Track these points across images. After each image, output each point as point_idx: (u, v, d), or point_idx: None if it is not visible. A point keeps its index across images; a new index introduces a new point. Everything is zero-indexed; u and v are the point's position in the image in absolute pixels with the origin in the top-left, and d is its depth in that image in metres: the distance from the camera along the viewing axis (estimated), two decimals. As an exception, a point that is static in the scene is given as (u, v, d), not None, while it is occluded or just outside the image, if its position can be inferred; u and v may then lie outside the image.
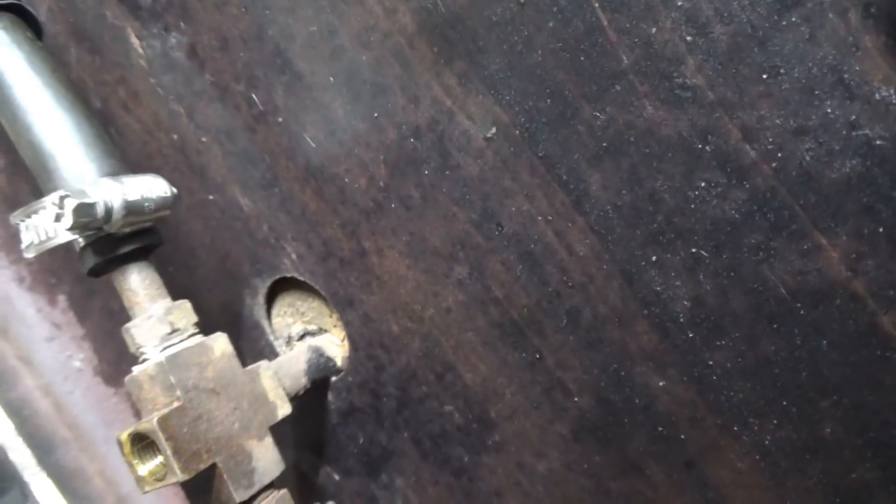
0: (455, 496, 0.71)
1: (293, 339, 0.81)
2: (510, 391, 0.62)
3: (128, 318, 0.63)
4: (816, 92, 0.39)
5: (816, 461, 0.48)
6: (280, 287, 0.79)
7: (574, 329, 0.56)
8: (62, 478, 1.10)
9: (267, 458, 0.64)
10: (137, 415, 1.14)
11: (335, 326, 0.77)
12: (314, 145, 0.64)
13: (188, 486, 0.62)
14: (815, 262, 0.43)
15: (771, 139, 0.42)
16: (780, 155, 0.42)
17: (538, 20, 0.47)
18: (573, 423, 0.59)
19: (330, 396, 0.78)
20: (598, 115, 0.47)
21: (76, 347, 1.10)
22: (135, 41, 0.73)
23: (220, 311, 0.83)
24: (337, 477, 0.82)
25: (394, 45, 0.55)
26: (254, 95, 0.66)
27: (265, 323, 0.81)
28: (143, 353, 0.61)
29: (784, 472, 0.50)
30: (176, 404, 0.58)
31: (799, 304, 0.45)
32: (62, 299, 1.08)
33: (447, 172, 0.57)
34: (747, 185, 0.44)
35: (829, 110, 0.39)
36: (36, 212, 0.57)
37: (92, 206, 0.56)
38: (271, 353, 0.81)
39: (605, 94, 0.46)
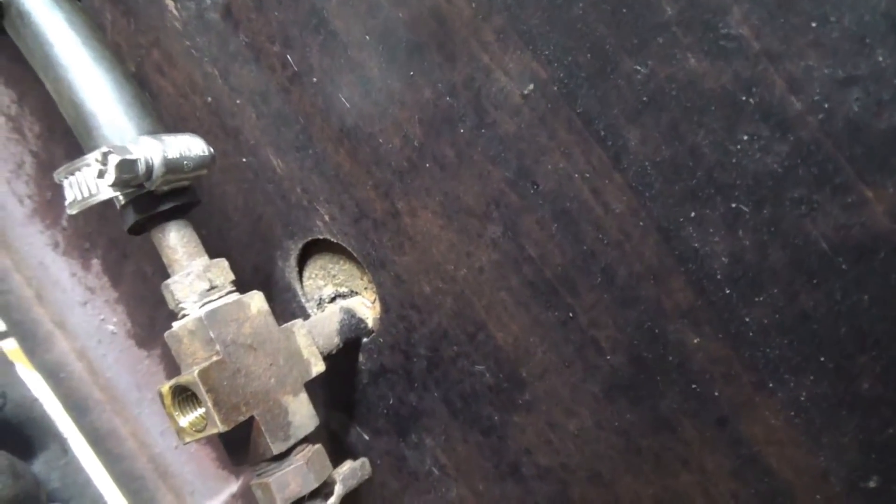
0: (484, 454, 0.72)
1: (324, 302, 0.82)
2: (542, 350, 0.63)
3: (160, 280, 0.64)
4: (867, 40, 0.39)
5: (852, 417, 0.48)
6: (312, 250, 0.80)
7: (608, 287, 0.56)
8: (97, 439, 1.13)
9: (302, 413, 0.65)
10: (170, 377, 1.17)
11: (366, 288, 0.78)
12: (349, 105, 0.65)
13: (225, 440, 0.64)
14: (859, 215, 0.43)
15: (818, 90, 0.41)
16: (826, 106, 0.41)
17: (579, -27, 0.47)
18: (605, 382, 0.60)
19: (361, 357, 0.79)
20: (639, 68, 0.47)
21: (110, 311, 1.12)
22: (169, 3, 0.73)
23: (253, 274, 0.84)
24: (367, 437, 0.84)
25: (431, 2, 0.55)
26: (288, 56, 0.66)
27: (297, 285, 0.82)
28: (182, 309, 0.62)
29: (819, 429, 0.50)
30: (215, 358, 0.60)
31: (840, 259, 0.44)
32: (96, 263, 1.10)
33: (483, 130, 0.57)
34: (791, 138, 0.43)
35: (880, 59, 0.39)
36: (79, 168, 0.58)
37: (134, 162, 0.57)
38: (303, 315, 0.82)
39: (646, 46, 0.46)
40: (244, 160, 0.77)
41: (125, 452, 1.15)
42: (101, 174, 0.57)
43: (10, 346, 1.08)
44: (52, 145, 1.03)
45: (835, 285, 0.45)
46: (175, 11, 0.73)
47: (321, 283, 0.82)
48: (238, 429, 0.60)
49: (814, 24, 0.40)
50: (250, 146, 0.75)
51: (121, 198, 0.61)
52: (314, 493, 0.64)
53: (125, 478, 1.13)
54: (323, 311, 0.81)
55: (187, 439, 0.60)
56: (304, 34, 0.64)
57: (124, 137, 0.60)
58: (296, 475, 0.63)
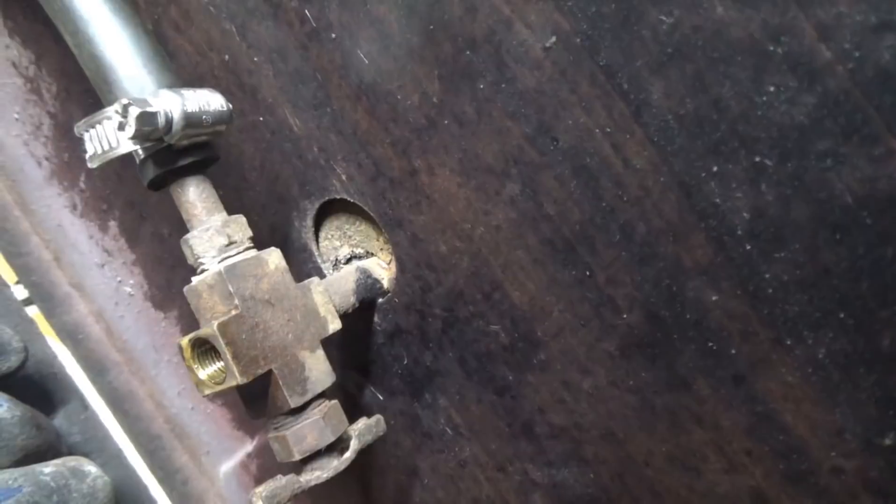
0: (498, 414, 0.73)
1: (340, 263, 0.82)
2: (558, 309, 0.63)
3: (177, 242, 0.65)
4: (901, -16, 0.38)
5: (871, 374, 0.48)
6: (328, 210, 0.80)
7: (627, 244, 0.56)
8: (115, 399, 1.15)
9: (319, 369, 0.66)
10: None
11: (382, 249, 0.78)
12: (367, 62, 0.64)
13: (244, 392, 0.65)
14: (886, 167, 0.42)
15: (848, 37, 0.40)
16: (857, 54, 0.40)
17: (605, -80, 0.46)
18: (621, 341, 0.60)
19: (376, 318, 0.80)
20: (665, 18, 0.46)
21: (127, 273, 1.13)
22: (187, -42, 0.73)
23: (269, 234, 0.84)
24: (381, 397, 0.85)
25: (452, -47, 0.54)
26: (307, 11, 0.66)
27: (313, 246, 0.82)
28: (201, 264, 0.63)
29: (836, 386, 0.50)
30: (234, 312, 0.60)
31: (865, 213, 0.44)
32: (113, 225, 1.11)
33: (503, 85, 0.57)
34: (819, 89, 0.42)
35: (914, 3, 0.38)
36: (99, 121, 0.59)
37: (154, 114, 0.57)
38: (319, 275, 0.83)
39: (673, -5, 0.45)
40: (261, 119, 0.77)
41: (142, 413, 1.17)
42: (121, 126, 0.57)
43: (32, 312, 1.09)
44: (70, 106, 1.03)
45: (858, 240, 0.45)
46: (193, -33, 0.73)
47: (337, 243, 0.82)
48: (256, 383, 0.61)
49: (846, -31, 0.39)
50: (268, 104, 0.75)
51: (140, 152, 0.62)
52: (330, 447, 0.65)
53: (142, 438, 1.15)
54: (339, 271, 0.81)
55: (206, 391, 0.61)
56: (322, -11, 0.64)
57: (144, 90, 0.60)
58: (312, 429, 0.63)
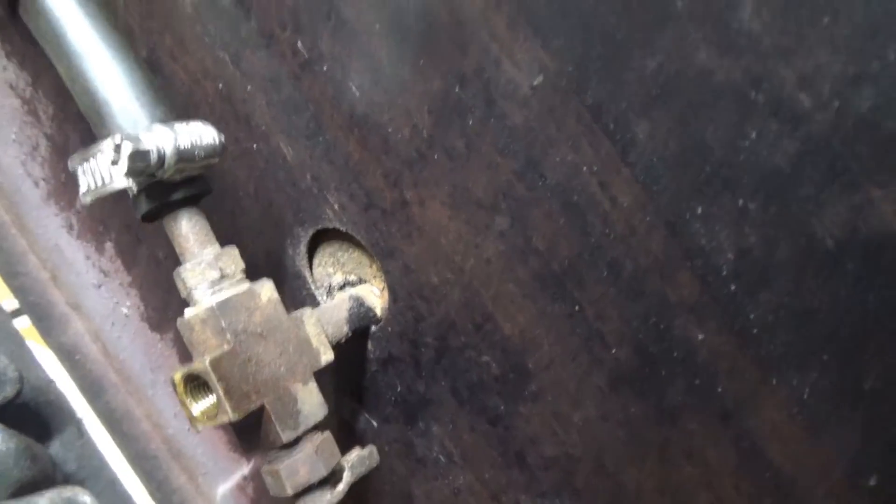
0: (491, 443, 0.73)
1: (334, 289, 0.82)
2: (548, 342, 0.63)
3: (173, 265, 0.65)
4: (880, 37, 0.38)
5: (855, 415, 0.48)
6: (321, 237, 0.80)
7: (615, 281, 0.56)
8: (111, 420, 1.15)
9: (311, 402, 0.66)
10: (183, 360, 1.18)
11: (375, 277, 0.79)
12: (359, 94, 0.65)
13: (237, 426, 0.65)
14: (866, 214, 0.42)
15: (828, 87, 0.41)
16: (836, 104, 0.41)
17: (590, -35, 0.47)
18: (610, 375, 0.60)
19: (369, 345, 0.80)
20: (649, 62, 0.47)
21: (123, 294, 1.14)
22: (181, -10, 0.73)
23: (263, 260, 0.85)
24: (375, 423, 0.85)
25: (441, -8, 0.55)
26: (299, 43, 0.67)
27: (306, 272, 0.83)
28: (194, 297, 0.63)
29: (821, 425, 0.50)
30: (226, 347, 0.61)
31: (846, 257, 0.44)
32: (110, 247, 1.11)
33: (492, 121, 0.57)
34: (800, 136, 0.43)
35: (892, 57, 0.38)
36: (93, 156, 0.59)
37: (146, 152, 0.57)
38: (312, 302, 0.83)
39: (657, 40, 0.46)
40: (255, 146, 0.77)
41: (139, 433, 1.17)
42: (114, 162, 0.58)
43: (24, 325, 1.10)
44: (67, 127, 1.04)
45: (840, 283, 0.45)
46: (187, -2, 0.73)
47: (330, 270, 0.82)
48: (249, 416, 0.62)
49: (825, 20, 0.39)
50: (261, 133, 0.76)
51: (133, 186, 0.62)
52: (323, 481, 0.65)
53: (139, 458, 1.15)
54: (332, 298, 0.81)
55: (199, 426, 0.61)
56: (314, 21, 0.64)
57: (137, 125, 0.60)
58: (305, 463, 0.64)
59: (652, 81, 0.47)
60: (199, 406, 0.61)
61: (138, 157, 0.57)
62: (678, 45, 0.45)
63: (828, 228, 0.44)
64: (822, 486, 0.51)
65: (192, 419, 0.61)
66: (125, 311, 1.14)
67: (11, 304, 1.12)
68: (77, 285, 1.14)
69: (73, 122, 1.04)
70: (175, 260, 0.64)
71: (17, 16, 0.64)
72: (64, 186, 1.10)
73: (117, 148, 0.57)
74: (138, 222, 1.05)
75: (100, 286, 1.14)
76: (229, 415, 0.58)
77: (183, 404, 0.61)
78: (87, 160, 0.60)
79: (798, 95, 0.42)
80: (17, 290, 1.12)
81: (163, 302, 1.11)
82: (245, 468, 1.18)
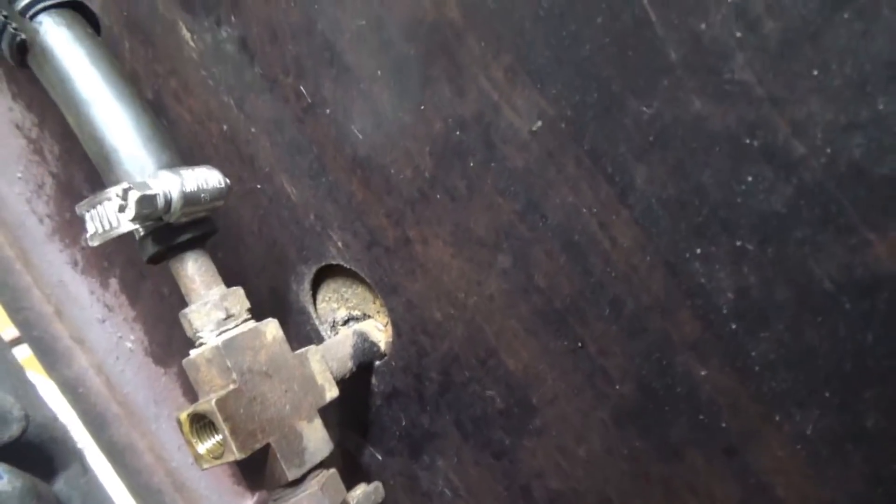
0: (496, 477, 0.74)
1: (338, 324, 0.83)
2: (552, 377, 0.64)
3: (177, 301, 0.66)
4: (868, 88, 0.39)
5: (858, 451, 0.49)
6: (325, 273, 0.81)
7: (617, 318, 0.57)
8: (114, 453, 1.15)
9: (317, 439, 0.66)
10: (186, 394, 1.19)
11: (378, 312, 0.79)
12: (361, 136, 0.66)
13: (242, 464, 0.66)
14: (862, 256, 0.43)
15: (820, 135, 0.42)
16: (829, 151, 0.42)
17: (586, 14, 0.48)
18: (614, 410, 0.61)
19: (374, 380, 0.81)
20: (645, 109, 0.48)
21: (128, 329, 1.14)
22: (186, 34, 0.75)
23: (268, 296, 0.86)
24: (380, 457, 0.85)
25: (441, 39, 0.56)
26: (302, 87, 0.68)
27: (311, 308, 0.83)
28: (199, 338, 0.64)
29: (825, 461, 0.50)
30: (232, 386, 0.61)
31: (844, 297, 0.45)
32: (114, 282, 1.12)
33: (492, 164, 0.58)
34: (795, 180, 0.44)
35: (881, 107, 0.39)
36: (101, 202, 0.60)
37: (153, 197, 0.58)
38: (317, 338, 0.84)
39: (652, 88, 0.47)
40: (259, 186, 0.78)
41: (143, 466, 1.17)
42: (121, 209, 0.59)
43: (24, 354, 1.10)
44: (72, 167, 1.06)
45: (839, 323, 0.46)
46: (192, 42, 0.75)
47: (335, 306, 0.83)
48: (255, 454, 0.62)
49: (815, 72, 0.41)
50: (265, 173, 0.77)
51: (140, 230, 0.63)
52: (329, 517, 0.66)
53: (143, 491, 1.15)
54: (336, 333, 0.82)
55: (205, 466, 0.61)
56: (317, 67, 0.66)
57: (144, 172, 0.61)
58: (311, 500, 0.64)
59: (648, 127, 0.49)
60: (205, 445, 0.62)
61: (145, 202, 0.58)
62: (673, 93, 0.46)
63: (825, 270, 0.45)
64: (828, 522, 0.52)
65: (197, 458, 0.62)
66: (129, 345, 1.15)
67: (11, 332, 1.13)
68: (81, 320, 1.15)
69: (78, 161, 1.05)
70: (179, 295, 0.65)
71: (27, 67, 0.65)
72: (69, 224, 1.11)
73: (125, 195, 0.58)
74: (143, 259, 1.06)
75: (104, 321, 1.15)
76: (235, 454, 0.59)
77: (189, 443, 0.62)
78: (94, 206, 0.61)
79: (792, 142, 0.43)
80: (22, 325, 1.12)
81: (166, 336, 1.11)
82: (249, 501, 1.18)
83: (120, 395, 1.17)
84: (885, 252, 0.42)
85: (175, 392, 1.16)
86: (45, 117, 1.05)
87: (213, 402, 0.59)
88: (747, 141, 0.45)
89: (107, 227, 0.61)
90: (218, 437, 0.62)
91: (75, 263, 1.13)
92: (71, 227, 1.11)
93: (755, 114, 0.43)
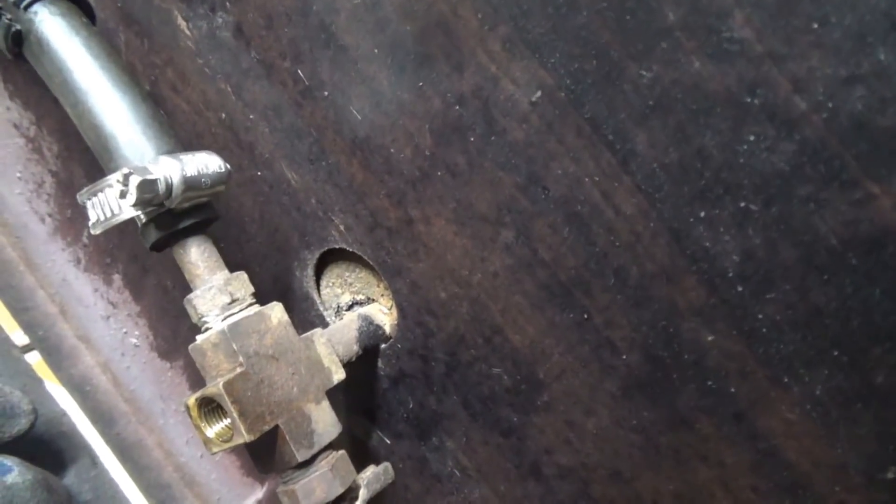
0: (505, 455, 0.73)
1: (342, 309, 0.83)
2: (558, 351, 0.64)
3: (180, 294, 0.66)
4: (869, 39, 0.39)
5: (868, 409, 0.49)
6: (328, 259, 0.81)
7: (622, 288, 0.57)
8: (123, 450, 1.15)
9: (325, 421, 0.66)
10: (193, 388, 1.19)
11: (383, 295, 0.79)
12: (360, 118, 0.66)
13: (250, 449, 0.66)
14: (866, 210, 0.43)
15: (821, 89, 0.42)
16: (830, 105, 0.42)
17: (582, -19, 0.48)
18: (622, 381, 0.61)
19: (380, 363, 0.81)
20: (645, 73, 0.48)
21: (132, 324, 1.14)
22: (181, 23, 0.75)
23: (271, 284, 0.85)
24: (388, 440, 0.85)
25: (437, 14, 0.56)
26: (299, 71, 0.68)
27: (315, 294, 0.83)
28: (205, 323, 0.64)
29: (835, 422, 0.50)
30: (239, 370, 0.61)
31: (850, 254, 0.45)
32: (117, 278, 1.12)
33: (492, 138, 0.58)
34: (797, 137, 0.44)
35: (881, 57, 0.39)
36: (101, 190, 0.60)
37: (154, 182, 0.58)
38: (321, 324, 0.84)
39: (651, 52, 0.47)
40: (259, 173, 0.78)
41: (151, 462, 1.17)
42: (122, 195, 0.59)
43: (34, 360, 1.10)
44: (71, 164, 1.05)
45: (845, 280, 0.46)
46: (187, 31, 0.75)
47: (338, 291, 0.83)
48: (263, 438, 0.62)
49: (815, 26, 0.40)
50: (265, 160, 0.77)
51: (142, 216, 0.63)
52: (339, 499, 0.66)
53: (152, 487, 1.16)
54: (341, 318, 0.82)
55: (215, 450, 0.62)
56: (314, 49, 0.66)
57: (144, 158, 0.61)
58: (321, 481, 0.64)
59: (648, 92, 0.48)
60: (214, 429, 0.62)
61: (146, 187, 0.58)
62: (672, 55, 0.46)
63: (830, 226, 0.45)
64: (840, 482, 0.52)
65: (206, 442, 0.62)
66: (134, 341, 1.15)
67: (22, 339, 1.13)
68: (85, 318, 1.15)
69: (77, 158, 1.05)
70: (183, 289, 0.65)
71: (23, 58, 0.65)
72: (70, 222, 1.11)
73: (125, 180, 0.58)
74: (145, 253, 1.06)
75: (108, 318, 1.15)
76: (244, 436, 0.59)
77: (197, 428, 0.62)
78: (95, 194, 0.61)
79: (793, 98, 0.43)
80: (27, 325, 1.12)
81: (171, 331, 1.11)
82: (259, 492, 1.18)
83: (127, 391, 1.17)
84: (890, 205, 0.42)
85: (182, 386, 1.17)
86: (42, 115, 1.05)
87: (221, 385, 0.59)
88: (748, 100, 0.44)
89: (108, 215, 0.61)
90: (226, 421, 0.62)
91: (78, 261, 1.13)
92: (72, 226, 1.11)
93: (755, 72, 0.43)
